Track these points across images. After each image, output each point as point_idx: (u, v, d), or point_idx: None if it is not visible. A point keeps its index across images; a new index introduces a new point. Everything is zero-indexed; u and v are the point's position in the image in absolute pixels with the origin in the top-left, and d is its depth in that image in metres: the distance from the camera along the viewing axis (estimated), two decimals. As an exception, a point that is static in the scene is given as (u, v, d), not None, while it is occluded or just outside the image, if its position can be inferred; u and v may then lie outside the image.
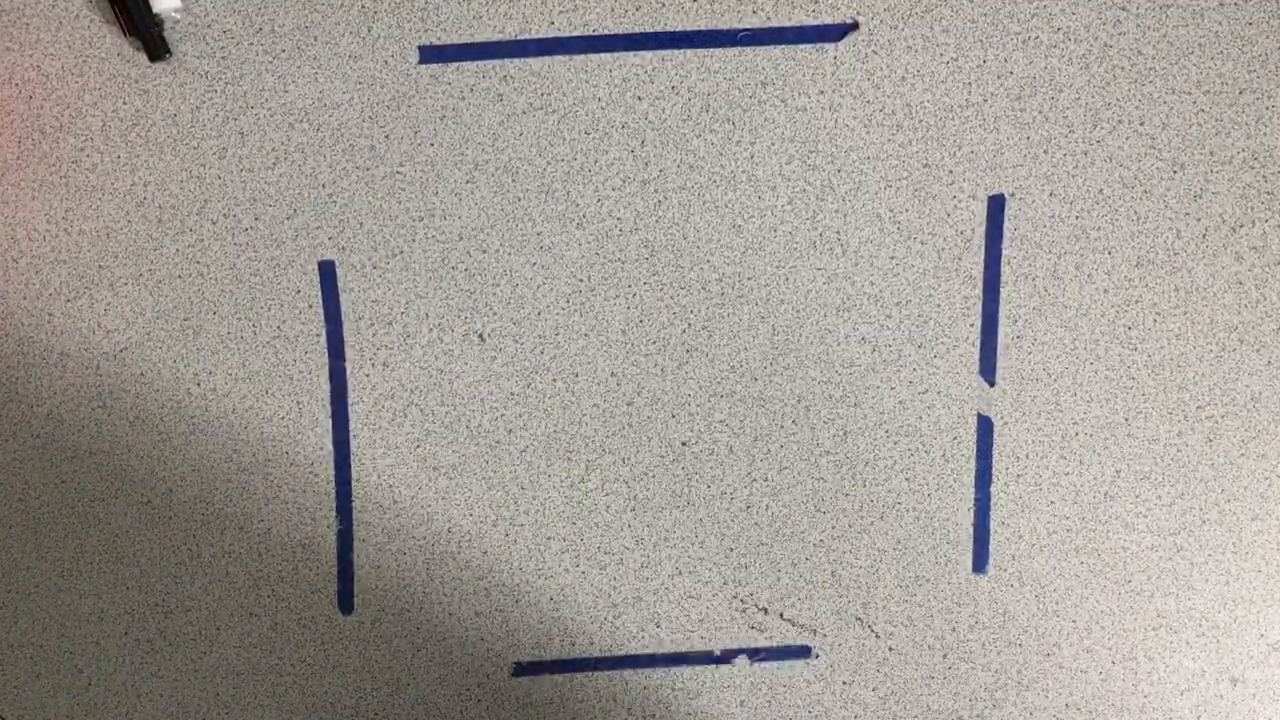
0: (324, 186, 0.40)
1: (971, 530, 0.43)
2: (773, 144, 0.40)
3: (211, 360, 0.41)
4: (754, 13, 0.39)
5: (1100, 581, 0.43)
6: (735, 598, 0.44)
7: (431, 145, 0.40)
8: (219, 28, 0.39)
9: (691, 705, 0.44)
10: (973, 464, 0.43)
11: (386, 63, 0.40)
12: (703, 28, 0.40)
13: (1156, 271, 0.41)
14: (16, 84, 0.39)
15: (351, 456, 0.42)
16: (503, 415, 0.42)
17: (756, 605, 0.44)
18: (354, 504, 0.42)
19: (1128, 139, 0.41)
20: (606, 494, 0.43)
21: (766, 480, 0.43)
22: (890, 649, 0.44)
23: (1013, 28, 0.40)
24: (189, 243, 0.40)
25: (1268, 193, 0.41)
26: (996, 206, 0.41)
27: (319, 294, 0.41)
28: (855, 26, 0.40)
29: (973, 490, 0.43)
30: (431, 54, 0.40)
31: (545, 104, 0.40)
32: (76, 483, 0.42)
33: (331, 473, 0.42)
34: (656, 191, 0.41)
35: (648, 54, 0.40)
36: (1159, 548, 0.43)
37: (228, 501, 0.42)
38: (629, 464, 0.42)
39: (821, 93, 0.40)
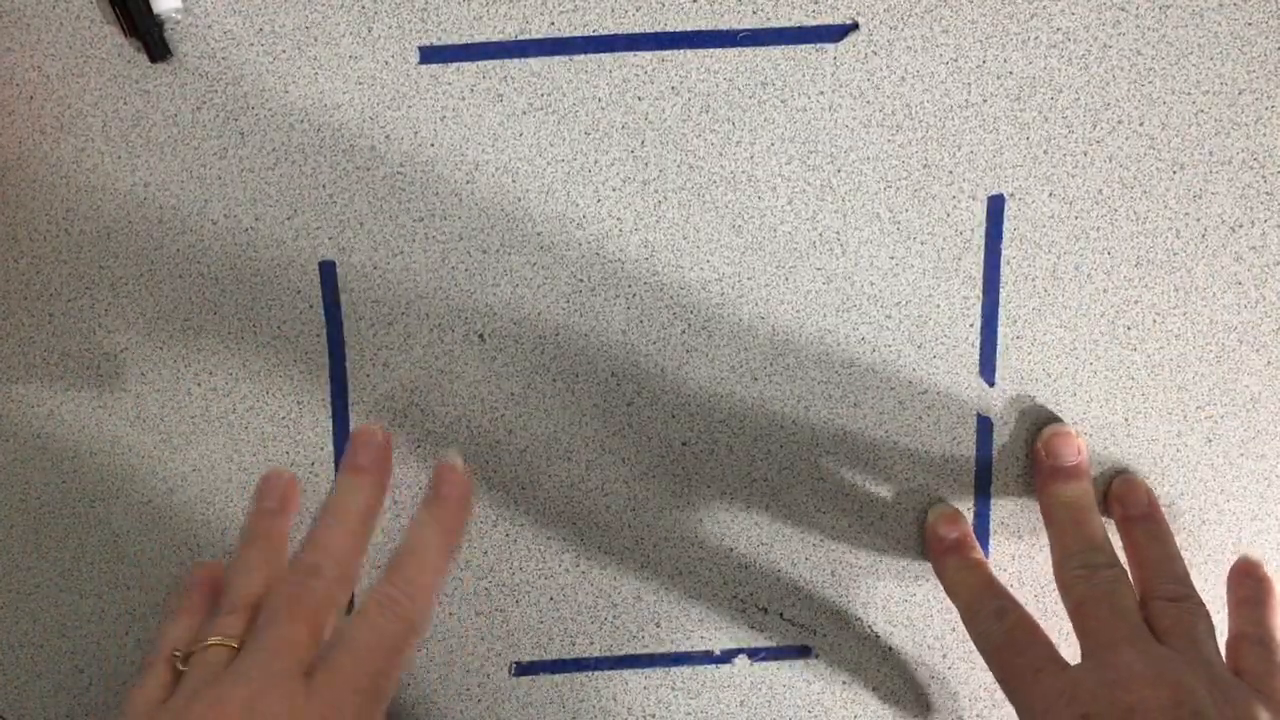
0: (324, 186, 0.40)
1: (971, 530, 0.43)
2: (773, 144, 0.40)
3: (211, 360, 0.41)
4: (754, 13, 0.39)
5: (1100, 581, 0.43)
6: (735, 598, 0.44)
7: (431, 145, 0.40)
8: (219, 28, 0.39)
9: (691, 705, 0.44)
10: (973, 464, 0.43)
11: (386, 63, 0.40)
12: (703, 28, 0.40)
13: (1156, 271, 0.41)
14: (16, 84, 0.39)
15: (351, 456, 0.42)
16: (503, 415, 0.42)
17: (756, 605, 0.44)
18: (354, 504, 0.42)
19: (1128, 139, 0.41)
20: (606, 494, 0.43)
21: (766, 480, 0.43)
22: (890, 649, 0.44)
23: (1013, 28, 0.40)
24: (189, 243, 0.40)
25: (1267, 193, 0.41)
26: (996, 206, 0.41)
27: (319, 294, 0.41)
28: (855, 26, 0.40)
29: (972, 490, 0.43)
30: (431, 54, 0.40)
31: (545, 104, 0.40)
32: (76, 483, 0.42)
33: (332, 473, 0.42)
34: (656, 191, 0.41)
35: (648, 54, 0.40)
36: (1159, 548, 0.43)
37: (228, 501, 0.42)
38: (629, 464, 0.42)
39: (821, 93, 0.40)
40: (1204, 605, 0.37)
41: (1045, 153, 0.40)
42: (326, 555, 0.34)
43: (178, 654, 0.34)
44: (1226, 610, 0.39)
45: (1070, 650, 0.37)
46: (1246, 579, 0.39)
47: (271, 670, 0.31)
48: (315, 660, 0.32)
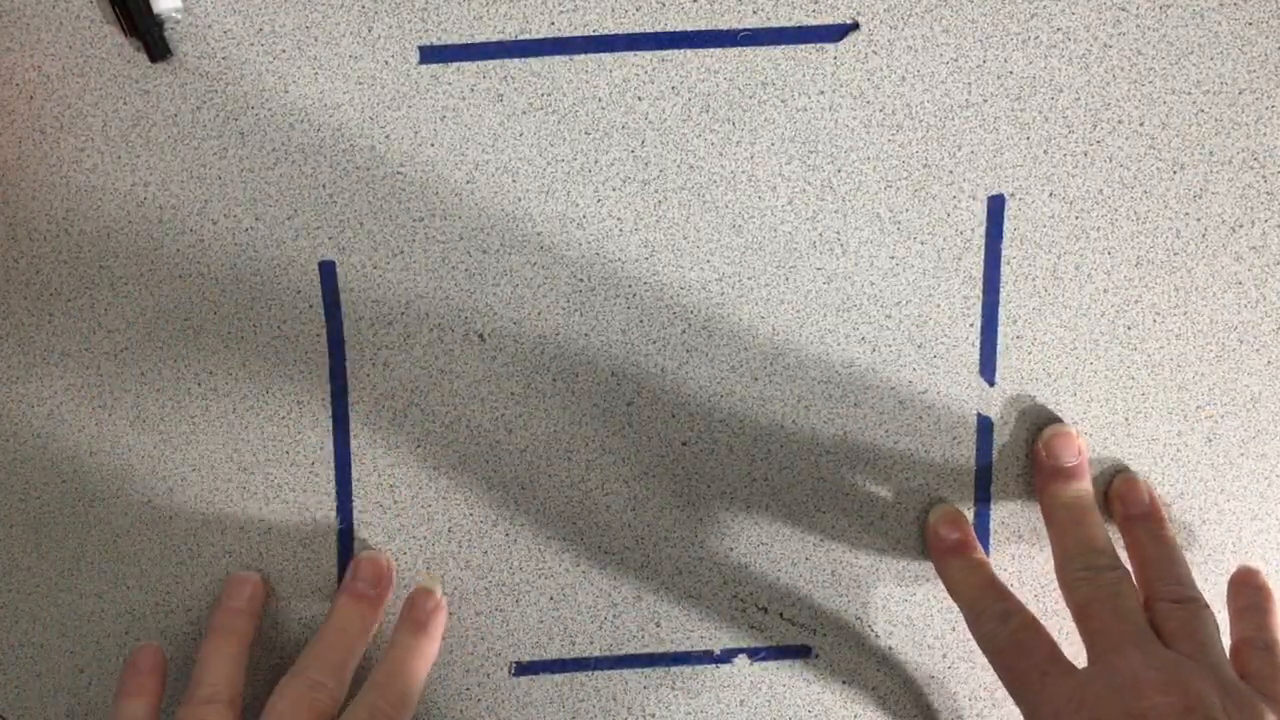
0: (324, 186, 0.40)
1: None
2: (773, 144, 0.40)
3: (211, 360, 0.41)
4: (754, 13, 0.39)
5: (1100, 581, 0.43)
6: (735, 598, 0.44)
7: (431, 145, 0.40)
8: (219, 28, 0.39)
9: (691, 705, 0.44)
10: (973, 464, 0.43)
11: (386, 63, 0.40)
12: (703, 28, 0.40)
13: (1156, 271, 0.41)
14: (16, 84, 0.39)
15: (351, 456, 0.42)
16: (503, 415, 0.42)
17: (756, 605, 0.44)
18: (354, 504, 0.42)
19: (1128, 139, 0.41)
20: (606, 494, 0.43)
21: (766, 480, 0.43)
22: (890, 649, 0.44)
23: (1013, 28, 0.40)
24: (189, 243, 0.40)
25: (1268, 193, 0.41)
26: (996, 206, 0.41)
27: (319, 294, 0.41)
28: (855, 26, 0.40)
29: (973, 490, 0.43)
30: (431, 54, 0.40)
31: (545, 104, 0.40)
32: (76, 483, 0.42)
33: (332, 473, 0.42)
34: (656, 191, 0.41)
35: (648, 54, 0.40)
36: (1159, 548, 0.43)
37: (228, 501, 0.42)
38: (629, 464, 0.42)
39: (821, 93, 0.40)
40: (1208, 607, 0.37)
41: (1045, 153, 0.40)
42: (331, 671, 0.39)
43: None
44: (1228, 617, 0.39)
45: (1072, 650, 0.37)
46: (1246, 587, 0.39)
47: None
48: None
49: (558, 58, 0.39)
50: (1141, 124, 0.40)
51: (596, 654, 0.44)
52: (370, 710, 0.38)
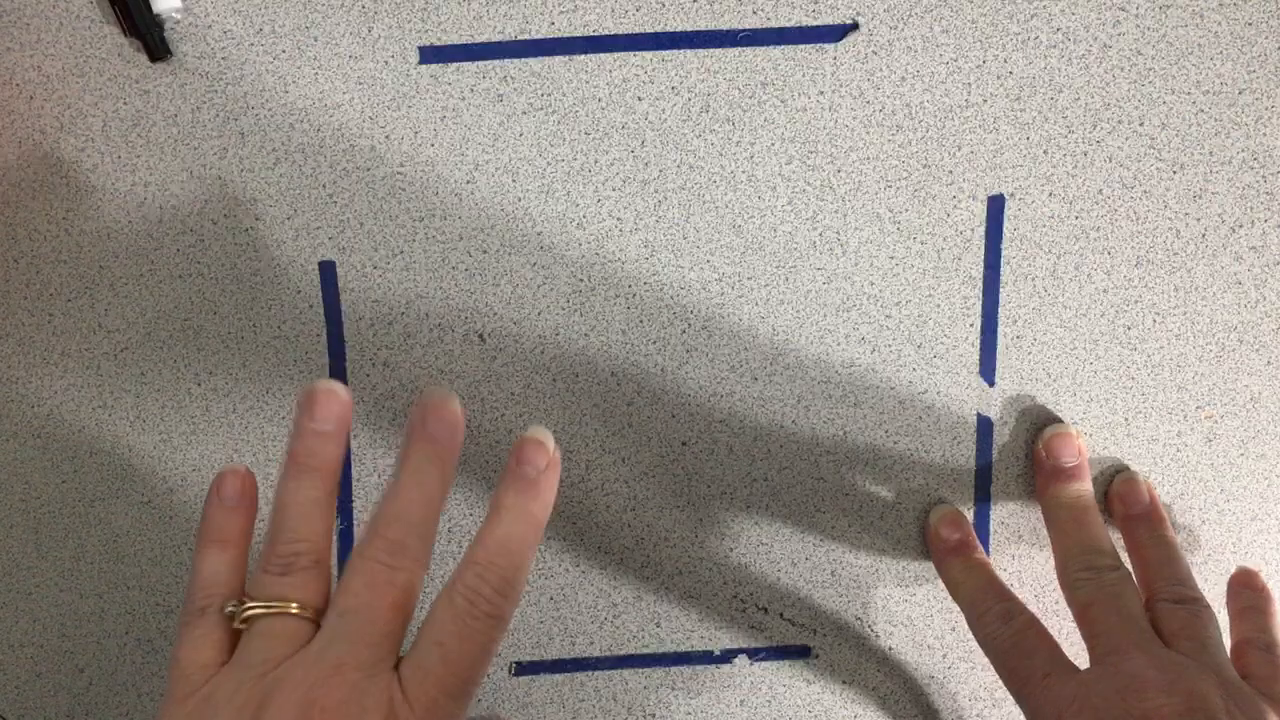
0: (324, 186, 0.40)
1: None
2: (773, 144, 0.40)
3: (211, 360, 0.41)
4: (754, 13, 0.39)
5: (1100, 581, 0.43)
6: (735, 598, 0.44)
7: (431, 145, 0.40)
8: (219, 28, 0.39)
9: (691, 705, 0.44)
10: (973, 464, 0.43)
11: (386, 63, 0.40)
12: (703, 28, 0.40)
13: (1156, 271, 0.41)
14: (16, 84, 0.39)
15: (351, 456, 0.42)
16: (503, 415, 0.42)
17: (756, 605, 0.44)
18: (354, 504, 0.42)
19: (1128, 139, 0.41)
20: (606, 494, 0.43)
21: (766, 480, 0.43)
22: (890, 649, 0.44)
23: (1013, 28, 0.40)
24: (189, 243, 0.40)
25: (1267, 193, 0.41)
26: (996, 206, 0.41)
27: (319, 294, 0.41)
28: (855, 26, 0.40)
29: (973, 490, 0.43)
30: (431, 54, 0.40)
31: (545, 104, 0.40)
32: (76, 483, 0.42)
33: (331, 473, 0.42)
34: (656, 191, 0.41)
35: (648, 54, 0.40)
36: (1159, 548, 0.43)
37: (228, 501, 0.42)
38: (629, 464, 0.42)
39: (821, 93, 0.40)
40: (1210, 608, 0.37)
41: (1045, 153, 0.40)
42: (410, 531, 0.30)
43: (233, 609, 0.30)
44: (1228, 618, 0.39)
45: (1073, 650, 0.37)
46: (1245, 589, 0.39)
47: (363, 661, 0.28)
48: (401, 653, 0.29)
49: (558, 58, 0.39)
50: (1141, 124, 0.40)
51: (596, 654, 0.44)
52: (470, 596, 0.29)
